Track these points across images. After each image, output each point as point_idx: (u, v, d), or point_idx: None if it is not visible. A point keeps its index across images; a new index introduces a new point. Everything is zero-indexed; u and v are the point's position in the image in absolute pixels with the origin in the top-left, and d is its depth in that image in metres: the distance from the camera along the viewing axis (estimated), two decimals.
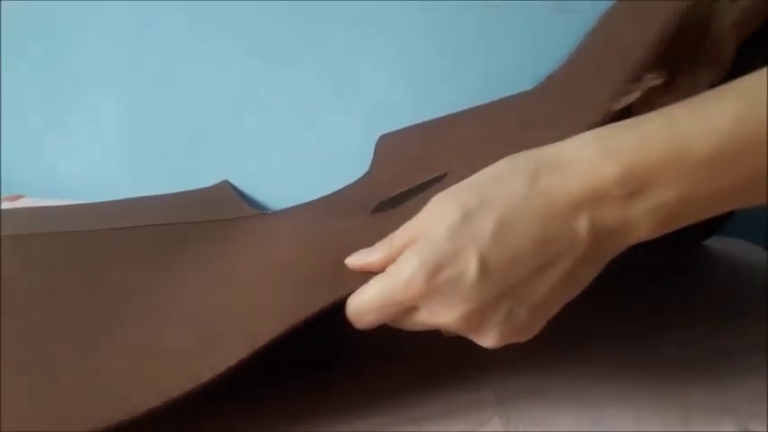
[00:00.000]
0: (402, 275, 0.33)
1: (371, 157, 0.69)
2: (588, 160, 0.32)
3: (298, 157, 0.81)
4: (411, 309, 0.34)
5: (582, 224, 0.32)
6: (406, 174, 0.47)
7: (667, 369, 0.41)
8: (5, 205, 0.75)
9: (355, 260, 0.37)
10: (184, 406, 0.31)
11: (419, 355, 0.43)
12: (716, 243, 0.63)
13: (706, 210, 0.32)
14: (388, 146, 0.67)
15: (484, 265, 0.32)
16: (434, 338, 0.41)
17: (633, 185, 0.31)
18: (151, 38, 0.79)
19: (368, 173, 0.67)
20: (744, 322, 0.47)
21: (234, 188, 0.79)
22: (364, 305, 0.35)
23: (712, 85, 0.41)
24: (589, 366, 0.41)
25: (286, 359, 0.42)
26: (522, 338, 0.34)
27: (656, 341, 0.44)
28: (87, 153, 0.84)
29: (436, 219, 0.33)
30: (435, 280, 0.32)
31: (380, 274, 0.35)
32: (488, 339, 0.34)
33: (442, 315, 0.33)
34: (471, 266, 0.32)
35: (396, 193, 0.45)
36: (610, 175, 0.31)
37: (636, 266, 0.37)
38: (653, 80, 0.42)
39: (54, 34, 0.80)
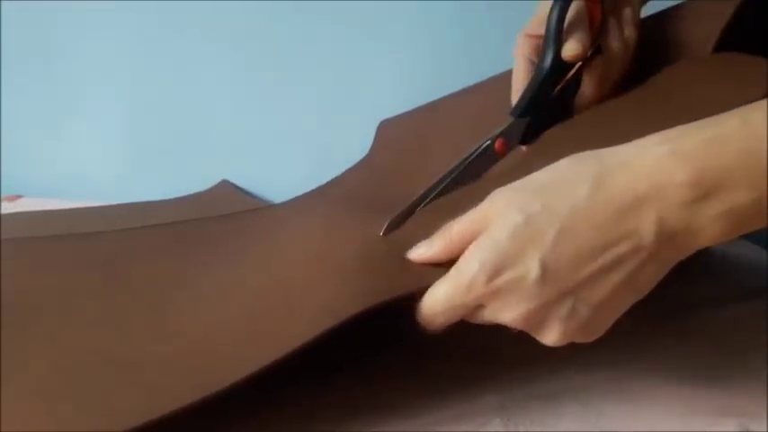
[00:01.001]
0: (464, 279, 0.33)
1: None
2: (657, 162, 0.31)
3: (297, 156, 0.81)
4: (478, 307, 0.34)
5: (647, 226, 0.31)
6: (407, 158, 0.47)
7: (668, 369, 0.41)
8: (5, 205, 0.75)
9: (418, 254, 0.37)
10: (210, 409, 0.31)
11: (424, 358, 0.43)
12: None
13: None
14: (389, 131, 0.67)
15: (545, 267, 0.32)
16: (438, 342, 0.41)
17: (704, 189, 0.30)
18: (151, 39, 0.79)
19: (367, 157, 0.67)
20: (744, 322, 0.47)
21: (234, 186, 0.79)
22: (434, 308, 0.35)
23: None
24: (590, 367, 0.41)
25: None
26: (588, 338, 0.34)
27: (656, 341, 0.44)
28: (87, 153, 0.83)
29: (497, 218, 0.33)
30: (496, 282, 0.33)
31: (445, 277, 0.35)
32: (550, 336, 0.34)
33: (505, 314, 0.33)
34: (533, 268, 0.32)
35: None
36: (680, 178, 0.31)
37: None
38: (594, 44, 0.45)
39: (54, 35, 0.80)
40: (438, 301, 0.35)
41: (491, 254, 0.33)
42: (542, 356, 0.36)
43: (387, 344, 0.44)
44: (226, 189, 0.78)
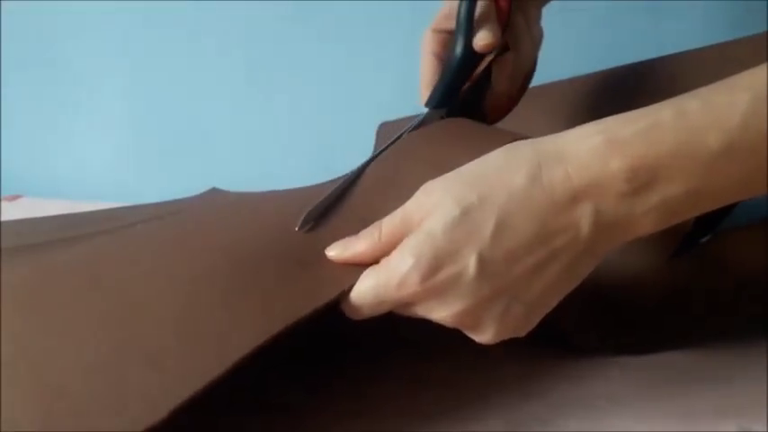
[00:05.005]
0: (396, 275, 0.32)
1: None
2: (593, 152, 0.31)
3: (297, 158, 0.81)
4: (408, 303, 0.33)
5: (585, 219, 0.31)
6: (407, 162, 0.47)
7: (668, 369, 0.41)
8: (5, 205, 0.75)
9: (338, 252, 0.35)
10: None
11: (425, 361, 0.43)
12: None
13: (710, 204, 0.31)
14: (390, 133, 0.67)
15: (483, 264, 0.31)
16: (439, 344, 0.41)
17: (641, 180, 0.30)
18: (151, 39, 0.79)
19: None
20: (743, 323, 0.47)
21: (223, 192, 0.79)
22: (360, 302, 0.33)
23: None
24: (591, 367, 0.41)
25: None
26: (519, 334, 0.33)
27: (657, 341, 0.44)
28: (87, 153, 0.84)
29: (432, 213, 0.32)
30: (431, 280, 0.31)
31: (374, 268, 0.33)
32: (484, 336, 0.33)
33: (438, 312, 0.32)
34: (470, 265, 0.31)
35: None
36: (617, 169, 0.30)
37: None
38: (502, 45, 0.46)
39: (55, 35, 0.80)
40: (365, 296, 0.33)
41: (426, 249, 0.31)
42: (544, 357, 0.36)
43: (388, 347, 0.44)
44: (215, 194, 0.77)
